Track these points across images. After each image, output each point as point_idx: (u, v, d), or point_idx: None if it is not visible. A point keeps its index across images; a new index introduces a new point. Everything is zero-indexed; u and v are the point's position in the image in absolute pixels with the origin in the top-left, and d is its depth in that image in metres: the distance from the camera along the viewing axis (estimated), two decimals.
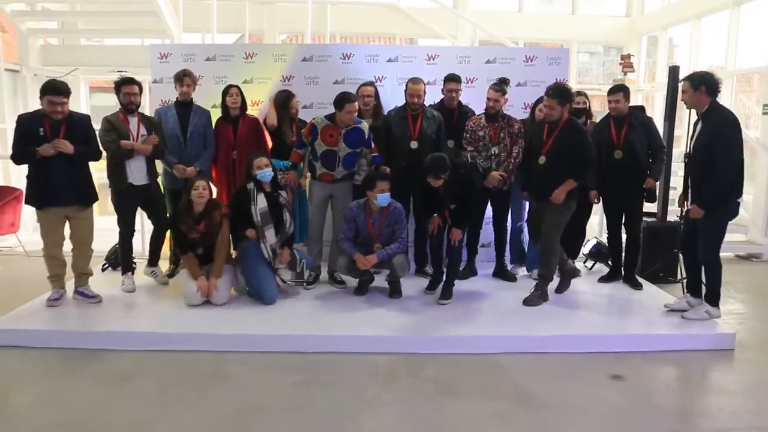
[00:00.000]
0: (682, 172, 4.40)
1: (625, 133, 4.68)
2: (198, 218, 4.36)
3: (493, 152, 4.84)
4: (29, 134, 4.02)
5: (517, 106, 5.13)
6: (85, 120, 4.29)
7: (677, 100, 5.61)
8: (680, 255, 4.67)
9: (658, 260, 5.33)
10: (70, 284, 4.50)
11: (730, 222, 7.00)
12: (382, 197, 4.39)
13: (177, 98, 4.90)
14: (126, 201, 4.60)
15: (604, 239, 5.71)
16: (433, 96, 5.22)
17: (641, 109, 5.10)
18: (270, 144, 5.02)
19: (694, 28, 8.86)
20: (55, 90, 4.00)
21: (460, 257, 4.58)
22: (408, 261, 4.60)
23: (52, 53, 8.01)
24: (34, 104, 7.63)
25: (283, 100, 4.96)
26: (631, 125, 4.69)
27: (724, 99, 8.03)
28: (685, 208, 4.21)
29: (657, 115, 7.85)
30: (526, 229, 4.94)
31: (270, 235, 4.47)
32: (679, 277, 5.29)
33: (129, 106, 4.47)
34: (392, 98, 5.29)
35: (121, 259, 4.79)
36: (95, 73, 9.05)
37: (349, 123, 4.58)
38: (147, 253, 5.01)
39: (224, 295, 4.36)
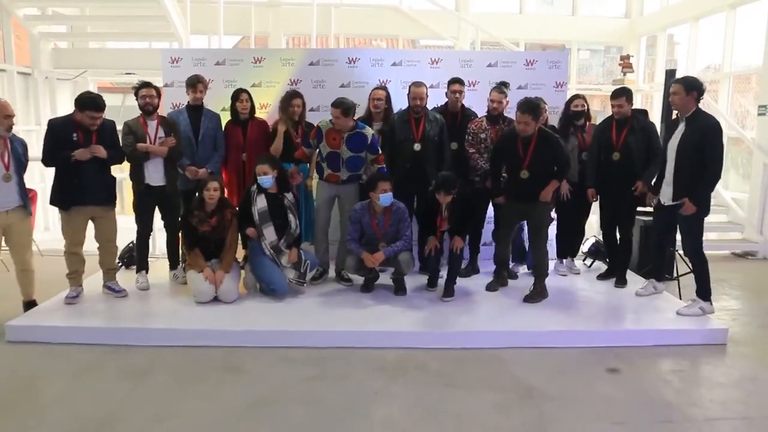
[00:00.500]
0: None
1: (625, 136, 4.78)
2: (210, 213, 4.54)
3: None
4: (62, 139, 4.27)
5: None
6: (111, 125, 4.53)
7: None
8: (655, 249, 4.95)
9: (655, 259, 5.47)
10: (87, 282, 4.69)
11: (726, 221, 7.20)
12: (384, 197, 4.54)
13: (188, 102, 5.05)
14: (143, 201, 4.78)
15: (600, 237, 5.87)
16: (436, 99, 5.39)
17: (644, 113, 5.18)
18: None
19: (692, 29, 9.01)
20: (96, 107, 4.28)
21: (462, 258, 4.72)
22: (413, 258, 4.75)
23: (63, 56, 8.16)
24: (46, 106, 7.85)
25: (285, 99, 5.09)
26: (632, 129, 4.78)
27: (722, 99, 8.21)
28: (652, 203, 4.65)
29: (655, 115, 8.00)
30: (526, 228, 5.09)
31: (269, 233, 4.62)
32: (675, 274, 5.44)
33: (146, 107, 4.66)
34: (397, 101, 5.43)
35: (137, 257, 4.96)
36: (104, 75, 9.24)
37: (344, 128, 4.72)
38: (158, 252, 5.17)
39: (233, 292, 4.52)
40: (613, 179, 4.85)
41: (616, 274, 5.14)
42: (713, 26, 8.79)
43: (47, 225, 7.72)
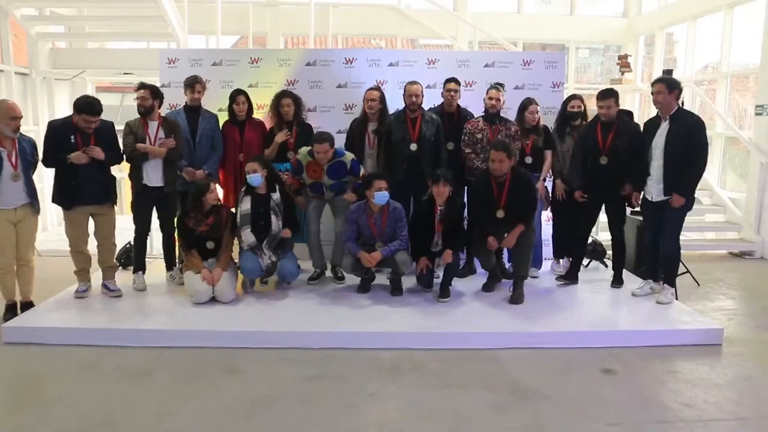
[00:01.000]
0: None
1: (612, 138, 4.68)
2: (206, 214, 4.56)
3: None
4: (61, 141, 4.35)
5: (514, 109, 5.28)
6: (110, 126, 4.59)
7: None
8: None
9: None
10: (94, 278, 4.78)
11: (723, 220, 7.23)
12: (379, 195, 4.56)
13: (186, 103, 5.06)
14: (141, 201, 4.80)
15: (600, 238, 5.89)
16: (433, 99, 5.40)
17: (630, 114, 5.12)
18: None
19: (690, 28, 9.02)
20: (91, 111, 4.33)
21: (458, 260, 4.73)
22: (410, 258, 4.76)
23: (60, 56, 8.17)
24: (44, 106, 7.86)
25: (275, 100, 5.12)
26: (618, 132, 4.68)
27: (719, 98, 8.22)
28: (638, 202, 4.74)
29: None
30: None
31: (246, 235, 4.62)
32: None
33: (138, 108, 4.68)
34: (393, 102, 5.44)
35: (134, 257, 4.98)
36: (102, 75, 9.24)
37: (324, 161, 4.75)
38: (156, 253, 5.18)
39: (230, 292, 4.53)
40: (600, 182, 4.76)
41: (614, 275, 5.09)
42: (711, 25, 8.81)
43: (44, 225, 7.72)
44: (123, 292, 4.71)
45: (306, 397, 3.27)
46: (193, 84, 4.96)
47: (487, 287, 4.91)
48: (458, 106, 5.27)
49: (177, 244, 5.11)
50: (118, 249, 5.20)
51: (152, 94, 4.71)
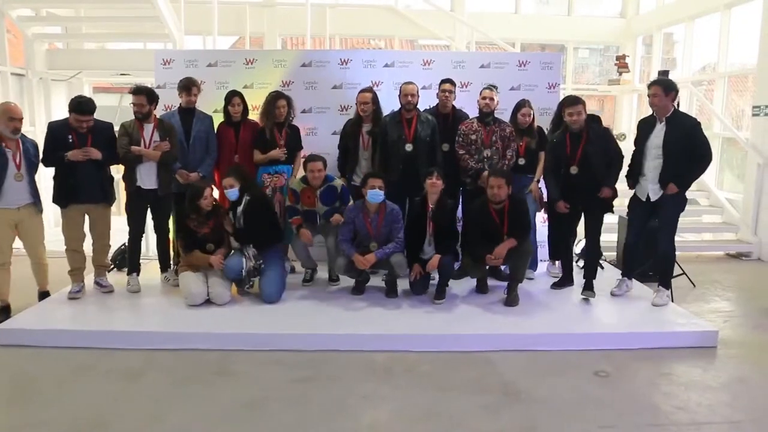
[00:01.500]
0: None
1: (582, 148, 4.57)
2: (207, 216, 4.56)
3: (485, 155, 4.99)
4: (59, 140, 4.45)
5: (510, 110, 5.26)
6: (108, 127, 4.68)
7: None
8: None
9: (648, 260, 5.47)
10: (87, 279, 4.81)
11: (720, 221, 7.22)
12: (372, 193, 4.55)
13: (180, 104, 5.05)
14: (135, 203, 4.80)
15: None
16: (428, 101, 5.38)
17: (597, 119, 4.94)
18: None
19: (687, 28, 9.01)
20: (79, 110, 4.44)
21: (453, 262, 4.71)
22: (406, 260, 4.74)
23: (57, 57, 8.15)
24: (40, 107, 7.85)
25: (269, 101, 5.11)
26: (588, 139, 4.57)
27: (717, 99, 8.21)
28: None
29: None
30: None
31: (231, 241, 4.71)
32: None
33: (136, 115, 4.68)
34: (389, 102, 5.43)
35: (128, 259, 4.96)
36: (99, 76, 9.23)
37: (316, 182, 4.77)
38: (151, 254, 5.18)
39: (225, 295, 4.52)
40: (576, 192, 4.65)
41: (584, 283, 4.83)
42: (709, 26, 8.80)
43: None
44: (116, 292, 4.75)
45: (298, 400, 3.27)
46: (190, 87, 4.95)
47: (480, 289, 4.90)
48: (453, 107, 5.26)
49: (171, 245, 5.11)
50: (113, 250, 5.21)
51: (148, 99, 4.69)
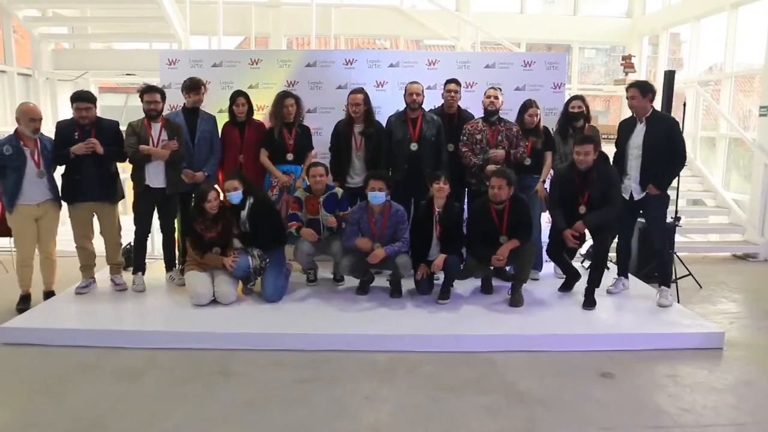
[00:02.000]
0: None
1: (588, 187, 4.54)
2: (215, 219, 4.54)
3: (491, 155, 4.97)
4: (66, 138, 4.56)
5: (515, 110, 5.25)
6: (113, 124, 4.77)
7: (672, 104, 5.77)
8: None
9: (652, 261, 5.45)
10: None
11: (727, 222, 7.21)
12: (373, 195, 4.55)
13: (185, 104, 5.06)
14: (142, 202, 4.81)
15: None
16: (433, 101, 5.37)
17: (605, 158, 4.86)
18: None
19: (694, 28, 8.96)
20: (79, 98, 4.58)
21: (458, 263, 4.68)
22: (411, 261, 4.72)
23: (63, 57, 8.21)
24: (46, 108, 7.88)
25: (277, 101, 5.12)
26: (593, 180, 4.53)
27: (723, 99, 8.16)
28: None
29: None
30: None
31: (234, 241, 4.68)
32: (673, 277, 5.41)
33: (150, 113, 4.70)
34: (394, 103, 5.43)
35: (134, 258, 4.98)
36: (105, 76, 9.28)
37: (319, 187, 4.76)
38: (156, 254, 5.20)
39: (231, 294, 4.52)
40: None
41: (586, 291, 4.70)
42: (716, 26, 8.75)
43: None
44: (123, 292, 4.82)
45: (300, 400, 3.25)
46: (198, 86, 4.97)
47: (485, 290, 4.88)
48: (459, 107, 5.24)
49: (177, 245, 5.12)
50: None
51: (161, 97, 4.75)
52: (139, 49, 8.98)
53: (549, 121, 5.39)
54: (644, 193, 4.64)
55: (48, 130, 4.77)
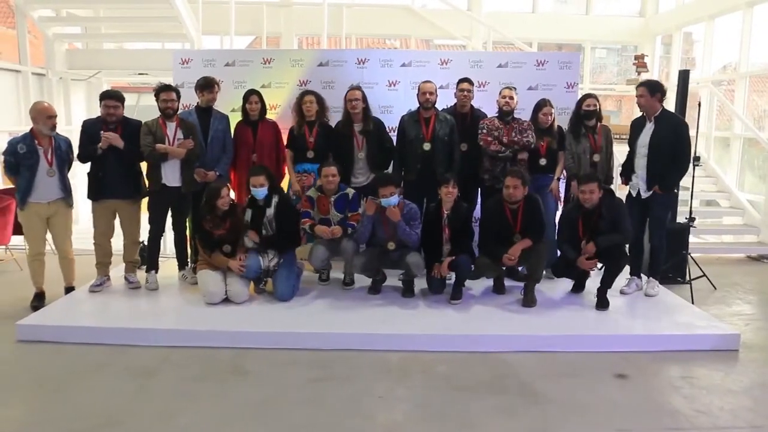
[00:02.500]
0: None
1: (594, 226, 4.53)
2: (223, 216, 4.56)
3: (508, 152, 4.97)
4: (91, 137, 4.63)
5: (528, 110, 5.23)
6: (138, 124, 4.79)
7: (686, 104, 5.73)
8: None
9: (667, 261, 5.41)
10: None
11: (741, 223, 7.17)
12: (386, 201, 4.55)
13: (198, 104, 5.08)
14: (158, 201, 4.85)
15: None
16: (446, 100, 5.36)
17: (611, 193, 4.89)
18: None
19: (708, 27, 8.89)
20: (108, 96, 4.70)
21: (470, 263, 4.66)
22: (423, 261, 4.72)
23: (77, 57, 8.26)
24: (59, 107, 7.94)
25: (298, 99, 5.13)
26: (601, 216, 4.52)
27: (738, 99, 8.10)
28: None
29: None
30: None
31: (246, 240, 4.66)
32: (687, 278, 5.38)
33: (166, 111, 4.73)
34: (406, 102, 5.43)
35: (147, 257, 5.00)
36: (117, 76, 9.33)
37: (331, 187, 4.75)
38: (168, 252, 5.23)
39: (243, 293, 4.53)
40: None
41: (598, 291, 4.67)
42: (730, 25, 8.68)
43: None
44: (136, 290, 4.85)
45: (313, 399, 3.26)
46: (212, 85, 4.99)
47: (497, 290, 4.87)
48: (472, 106, 5.22)
49: (189, 243, 5.14)
50: None
51: (177, 96, 4.79)
52: (151, 49, 9.02)
53: (562, 120, 5.35)
54: (651, 192, 4.71)
55: (61, 129, 4.84)
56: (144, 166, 4.84)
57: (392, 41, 11.28)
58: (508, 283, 4.97)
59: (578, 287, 4.91)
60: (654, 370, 3.68)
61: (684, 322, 4.28)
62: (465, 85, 5.09)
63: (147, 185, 4.85)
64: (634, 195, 4.82)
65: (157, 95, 4.76)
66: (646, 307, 4.60)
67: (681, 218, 5.72)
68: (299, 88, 5.51)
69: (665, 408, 3.21)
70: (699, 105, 5.62)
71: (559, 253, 4.84)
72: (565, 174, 5.20)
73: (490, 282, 4.96)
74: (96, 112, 4.87)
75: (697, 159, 5.16)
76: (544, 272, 4.86)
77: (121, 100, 4.71)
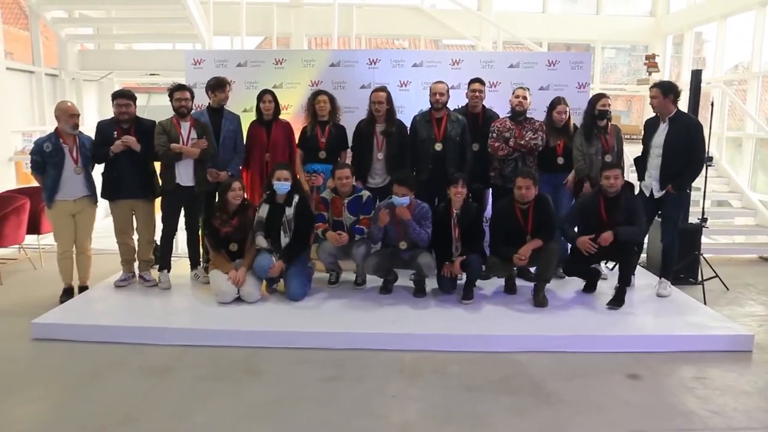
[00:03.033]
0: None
1: (615, 215, 4.55)
2: (232, 214, 4.58)
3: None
4: (106, 137, 4.70)
5: (540, 110, 5.22)
6: (151, 124, 4.83)
7: (699, 104, 5.70)
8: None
9: (679, 262, 5.38)
10: (104, 283, 4.97)
11: (753, 223, 7.12)
12: (398, 201, 4.56)
13: (210, 104, 5.10)
14: (172, 200, 4.87)
15: None
16: (457, 100, 5.36)
17: (631, 187, 4.91)
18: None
19: (720, 27, 8.84)
20: (120, 95, 4.77)
21: (481, 263, 4.67)
22: (434, 261, 4.73)
23: (89, 58, 8.33)
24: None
25: (311, 99, 5.17)
26: (620, 207, 4.55)
27: (750, 99, 8.04)
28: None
29: None
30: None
31: (259, 240, 4.65)
32: (699, 278, 5.35)
33: (180, 110, 4.76)
34: (417, 102, 5.44)
35: (160, 256, 5.03)
36: (129, 76, 9.39)
37: (344, 189, 4.76)
38: (180, 252, 5.27)
39: (255, 293, 4.55)
40: (603, 248, 4.57)
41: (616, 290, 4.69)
42: (742, 25, 8.62)
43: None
44: (147, 289, 4.90)
45: (326, 398, 3.27)
46: (224, 85, 5.02)
47: (509, 290, 4.87)
48: (483, 106, 5.22)
49: (201, 243, 5.17)
50: None
51: (191, 95, 4.84)
52: (162, 50, 9.08)
53: (573, 120, 5.34)
54: (663, 191, 4.72)
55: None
56: (158, 165, 4.87)
57: (401, 41, 11.29)
58: (519, 283, 4.96)
59: (590, 287, 4.91)
60: (667, 370, 3.67)
61: (697, 322, 4.26)
62: (476, 86, 5.09)
63: (161, 184, 4.89)
64: (647, 194, 4.83)
65: (171, 95, 4.79)
66: (658, 308, 4.59)
67: (693, 219, 5.69)
68: (311, 89, 5.53)
69: (678, 408, 3.20)
70: (712, 105, 5.59)
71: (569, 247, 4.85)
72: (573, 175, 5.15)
73: (501, 282, 4.95)
74: (107, 112, 4.98)
75: (709, 159, 5.15)
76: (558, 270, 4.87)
77: (133, 98, 4.77)
